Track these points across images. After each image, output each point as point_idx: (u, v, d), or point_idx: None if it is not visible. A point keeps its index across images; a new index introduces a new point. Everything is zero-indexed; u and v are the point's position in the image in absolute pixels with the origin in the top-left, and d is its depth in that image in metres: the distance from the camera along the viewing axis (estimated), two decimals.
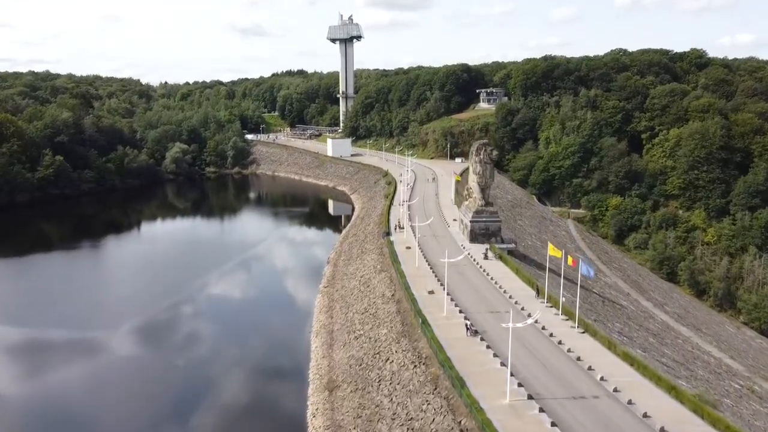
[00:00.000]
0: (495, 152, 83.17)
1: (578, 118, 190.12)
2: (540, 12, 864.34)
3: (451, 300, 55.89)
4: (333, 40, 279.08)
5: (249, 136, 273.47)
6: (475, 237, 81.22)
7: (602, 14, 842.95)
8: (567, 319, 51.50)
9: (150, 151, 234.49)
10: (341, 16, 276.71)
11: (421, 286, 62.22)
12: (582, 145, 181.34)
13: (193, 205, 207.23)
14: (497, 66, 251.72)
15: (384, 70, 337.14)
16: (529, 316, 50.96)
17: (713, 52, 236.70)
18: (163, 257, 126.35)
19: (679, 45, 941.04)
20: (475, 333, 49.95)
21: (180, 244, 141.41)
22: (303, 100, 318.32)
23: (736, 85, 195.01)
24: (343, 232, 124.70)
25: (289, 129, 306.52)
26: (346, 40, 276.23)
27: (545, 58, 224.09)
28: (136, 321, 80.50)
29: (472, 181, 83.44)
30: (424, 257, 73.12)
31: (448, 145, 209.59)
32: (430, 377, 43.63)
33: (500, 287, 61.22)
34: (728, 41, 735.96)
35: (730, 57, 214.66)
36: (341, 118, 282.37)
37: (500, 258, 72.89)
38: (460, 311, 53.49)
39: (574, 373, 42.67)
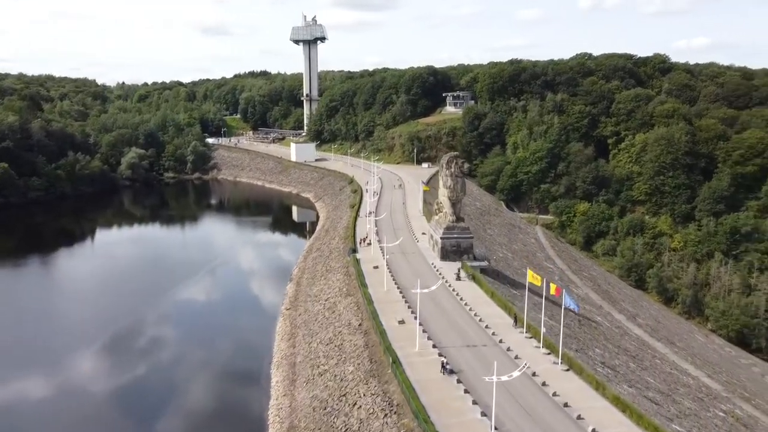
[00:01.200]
0: (466, 165, 79.30)
1: (545, 123, 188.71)
2: (507, 13, 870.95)
3: (424, 331, 51.43)
4: (296, 42, 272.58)
5: (210, 140, 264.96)
6: (446, 254, 77.12)
7: (567, 16, 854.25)
8: (549, 353, 47.63)
9: (104, 156, 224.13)
10: (305, 17, 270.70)
11: (390, 314, 57.63)
12: (549, 150, 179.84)
13: (151, 212, 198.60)
14: (464, 69, 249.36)
15: (349, 71, 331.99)
16: (509, 350, 46.94)
17: (671, 55, 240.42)
18: (112, 273, 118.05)
19: (639, 47, 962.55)
20: (451, 372, 45.70)
21: (132, 257, 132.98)
22: (266, 103, 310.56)
23: (698, 91, 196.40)
24: (307, 245, 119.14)
25: (251, 132, 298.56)
26: (310, 42, 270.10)
27: (512, 62, 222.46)
28: (71, 355, 73.14)
29: (443, 195, 79.35)
30: (393, 279, 68.61)
31: (415, 150, 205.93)
32: (404, 430, 39.08)
33: (475, 315, 57.03)
34: (685, 44, 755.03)
35: (686, 59, 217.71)
36: (305, 121, 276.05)
37: (473, 278, 68.85)
38: (434, 345, 49.10)
39: (562, 423, 38.65)
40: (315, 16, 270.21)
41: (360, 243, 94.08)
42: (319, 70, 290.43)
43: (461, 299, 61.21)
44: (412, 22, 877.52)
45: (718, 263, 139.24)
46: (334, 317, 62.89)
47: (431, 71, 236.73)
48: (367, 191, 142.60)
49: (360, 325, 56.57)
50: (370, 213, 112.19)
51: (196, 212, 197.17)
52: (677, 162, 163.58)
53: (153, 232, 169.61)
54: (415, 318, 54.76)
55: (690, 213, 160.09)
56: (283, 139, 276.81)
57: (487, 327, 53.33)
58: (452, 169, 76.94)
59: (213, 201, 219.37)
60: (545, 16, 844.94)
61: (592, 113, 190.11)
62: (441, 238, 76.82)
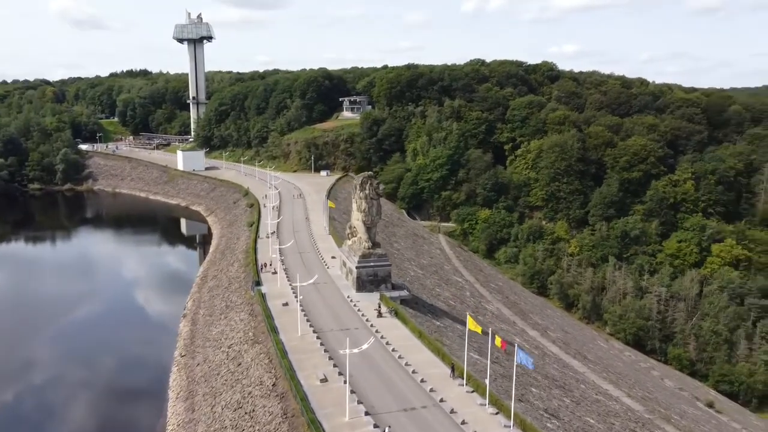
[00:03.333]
0: (382, 186, 73.03)
1: (444, 129, 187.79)
2: (393, 16, 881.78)
3: (352, 392, 44.22)
4: (180, 40, 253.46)
5: (83, 147, 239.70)
6: (362, 285, 70.38)
7: (451, 20, 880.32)
8: (497, 413, 42.16)
9: None
10: (189, 14, 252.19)
11: (309, 369, 49.76)
12: (450, 157, 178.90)
13: (12, 229, 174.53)
14: (359, 73, 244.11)
15: (238, 72, 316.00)
16: (453, 412, 41.11)
17: (544, 60, 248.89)
18: None
19: (518, 52, 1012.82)
20: None
21: None
22: (147, 105, 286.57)
23: (585, 98, 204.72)
24: (200, 270, 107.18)
25: (131, 138, 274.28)
26: (196, 41, 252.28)
27: (408, 67, 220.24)
28: None
29: (356, 219, 72.52)
30: (308, 321, 60.65)
31: (312, 157, 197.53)
32: None
33: (407, 364, 50.32)
34: (556, 50, 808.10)
35: (555, 64, 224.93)
36: (192, 126, 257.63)
37: (396, 314, 62.63)
38: (366, 413, 41.97)
39: None
40: (200, 14, 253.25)
41: (262, 268, 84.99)
42: (206, 71, 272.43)
43: (387, 343, 54.54)
44: (299, 21, 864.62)
45: (612, 267, 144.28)
46: (241, 372, 53.93)
47: (326, 75, 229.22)
48: (265, 206, 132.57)
49: (274, 385, 48.28)
50: (272, 233, 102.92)
51: (68, 228, 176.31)
52: (571, 168, 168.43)
53: (11, 252, 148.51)
54: (340, 374, 47.52)
55: (584, 218, 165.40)
56: (168, 145, 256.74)
57: (423, 381, 46.94)
58: (367, 191, 70.37)
59: (88, 215, 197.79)
60: (430, 19, 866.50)
61: (488, 120, 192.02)
62: (357, 267, 69.95)
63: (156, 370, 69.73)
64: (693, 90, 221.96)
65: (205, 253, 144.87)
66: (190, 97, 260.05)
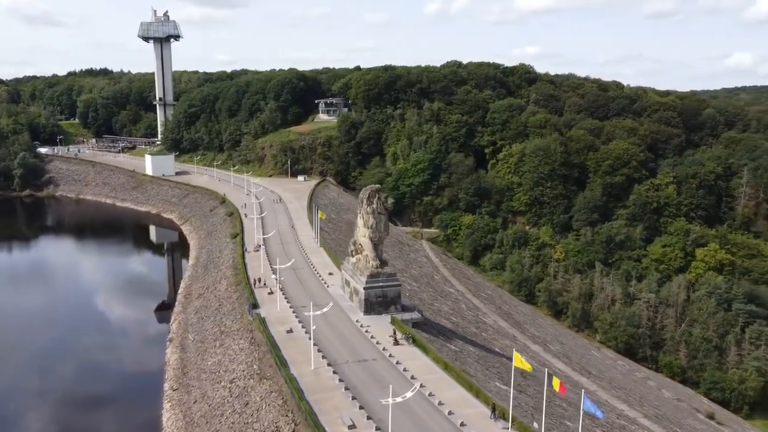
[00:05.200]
0: (391, 200, 68.33)
1: (425, 133, 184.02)
2: (356, 16, 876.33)
3: None
4: (146, 39, 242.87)
5: (42, 150, 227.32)
6: (370, 307, 65.55)
7: (414, 21, 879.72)
8: None
9: None
10: (155, 11, 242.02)
11: (332, 412, 44.53)
12: (431, 161, 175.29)
13: None
14: (334, 74, 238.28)
15: (206, 72, 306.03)
16: None
17: (508, 62, 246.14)
18: None
19: (482, 53, 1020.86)
20: None
21: None
22: (110, 106, 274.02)
23: (563, 101, 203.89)
24: (182, 287, 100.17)
25: (94, 140, 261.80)
26: (162, 40, 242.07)
27: (386, 68, 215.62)
28: None
29: (363, 235, 67.62)
30: (319, 351, 55.36)
31: (289, 162, 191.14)
32: None
33: (440, 403, 45.38)
34: (519, 52, 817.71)
35: (532, 66, 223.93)
36: (160, 128, 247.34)
37: (414, 341, 58.00)
38: None
39: None
40: (167, 11, 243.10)
41: (255, 284, 79.45)
42: (173, 71, 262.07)
43: (413, 377, 49.64)
44: (263, 21, 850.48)
45: (599, 273, 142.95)
46: (251, 414, 48.43)
47: (301, 76, 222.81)
48: (246, 215, 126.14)
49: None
50: (260, 246, 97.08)
51: (27, 237, 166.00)
52: (554, 173, 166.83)
53: None
54: (368, 418, 42.64)
55: (568, 223, 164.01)
56: (134, 148, 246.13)
57: (463, 425, 42.22)
58: (374, 206, 65.66)
59: (50, 223, 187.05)
60: (392, 20, 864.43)
61: (468, 123, 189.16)
62: (364, 288, 65.04)
63: (145, 407, 62.76)
64: (667, 93, 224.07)
65: (174, 263, 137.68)
66: (157, 98, 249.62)
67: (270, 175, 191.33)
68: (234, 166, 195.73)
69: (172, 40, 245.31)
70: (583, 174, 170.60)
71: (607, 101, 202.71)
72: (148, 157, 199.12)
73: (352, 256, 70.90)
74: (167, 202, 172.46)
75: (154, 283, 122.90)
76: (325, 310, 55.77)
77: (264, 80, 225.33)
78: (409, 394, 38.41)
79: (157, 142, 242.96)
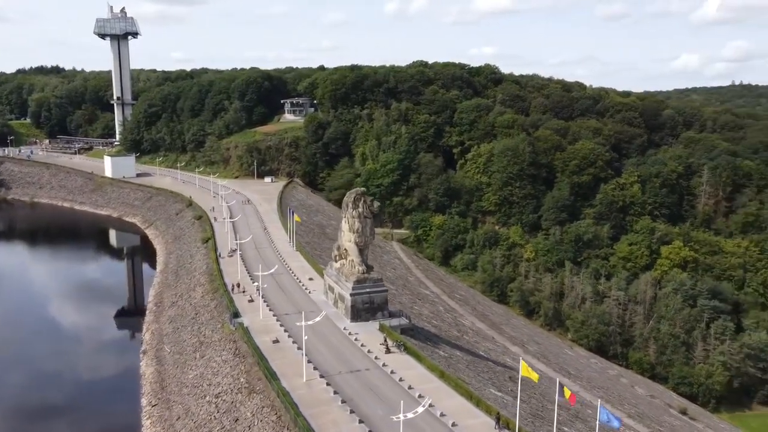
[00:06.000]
0: (377, 203, 66.75)
1: (393, 133, 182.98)
2: (314, 15, 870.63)
3: None
4: (102, 36, 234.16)
5: None
6: (357, 314, 63.90)
7: (372, 21, 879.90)
8: None
9: None
10: (111, 7, 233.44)
11: (331, 428, 42.82)
12: (400, 161, 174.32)
13: None
14: (299, 74, 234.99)
15: (164, 71, 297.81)
16: None
17: (466, 62, 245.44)
18: None
19: (441, 53, 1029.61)
20: None
21: None
22: (65, 106, 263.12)
23: (529, 101, 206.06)
24: (151, 295, 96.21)
25: (48, 141, 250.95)
26: (120, 37, 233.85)
27: (352, 68, 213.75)
28: None
29: (348, 240, 65.79)
30: (310, 361, 53.27)
31: (255, 163, 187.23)
32: None
33: (442, 414, 44.22)
34: (477, 52, 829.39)
35: (498, 66, 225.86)
36: (118, 128, 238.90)
37: (406, 349, 56.60)
38: None
39: None
40: (124, 7, 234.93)
41: (233, 290, 76.84)
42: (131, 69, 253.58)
43: (411, 388, 48.21)
44: (219, 18, 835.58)
45: (569, 272, 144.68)
46: None
47: (266, 76, 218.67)
48: (216, 219, 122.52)
49: None
50: (234, 251, 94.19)
51: None
52: (523, 172, 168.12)
53: None
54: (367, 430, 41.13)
55: (537, 222, 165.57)
56: (91, 149, 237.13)
57: None
58: (360, 209, 63.91)
59: (0, 228, 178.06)
60: (351, 19, 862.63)
61: (436, 123, 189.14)
62: (351, 294, 63.32)
63: (120, 424, 59.47)
64: (627, 94, 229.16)
65: (135, 267, 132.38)
66: (114, 98, 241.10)
67: (236, 177, 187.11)
68: (198, 168, 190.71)
69: (129, 37, 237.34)
70: (551, 174, 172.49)
71: (571, 102, 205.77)
72: (107, 159, 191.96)
73: (336, 261, 69.11)
74: (129, 205, 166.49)
75: (115, 290, 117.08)
76: (317, 319, 53.86)
77: (228, 79, 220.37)
78: (420, 409, 37.03)
79: (116, 143, 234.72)
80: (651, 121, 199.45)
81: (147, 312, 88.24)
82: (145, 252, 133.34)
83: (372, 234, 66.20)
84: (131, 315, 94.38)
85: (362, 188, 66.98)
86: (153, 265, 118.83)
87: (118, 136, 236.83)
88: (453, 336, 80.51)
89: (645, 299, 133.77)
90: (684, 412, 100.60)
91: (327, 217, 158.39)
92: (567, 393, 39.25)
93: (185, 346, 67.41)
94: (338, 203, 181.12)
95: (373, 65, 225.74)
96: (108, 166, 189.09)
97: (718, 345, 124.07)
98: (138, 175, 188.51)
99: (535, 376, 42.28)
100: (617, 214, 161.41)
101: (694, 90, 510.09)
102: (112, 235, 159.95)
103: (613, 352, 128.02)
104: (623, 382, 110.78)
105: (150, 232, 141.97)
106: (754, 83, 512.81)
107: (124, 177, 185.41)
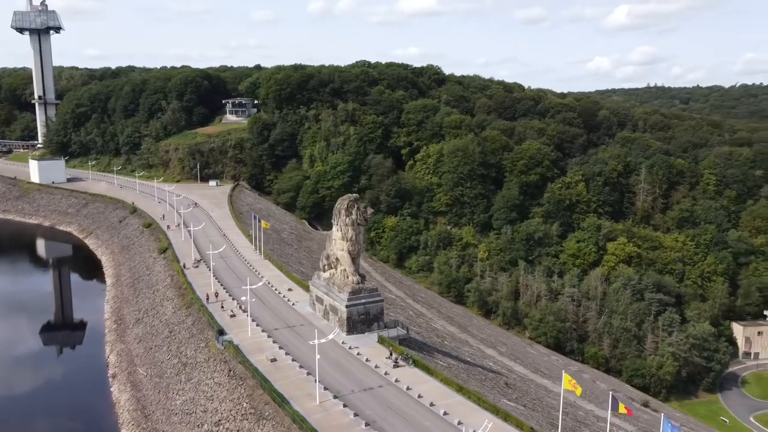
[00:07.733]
0: (371, 210, 64.22)
1: (341, 134, 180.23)
2: (239, 13, 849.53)
3: None
4: (21, 30, 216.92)
5: None
6: (353, 326, 61.23)
7: (297, 19, 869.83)
8: None
9: None
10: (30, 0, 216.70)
11: None
12: (351, 163, 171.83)
13: None
14: (239, 73, 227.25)
15: (89, 69, 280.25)
16: None
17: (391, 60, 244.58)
18: None
19: (368, 53, 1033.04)
20: None
21: None
22: None
23: (473, 102, 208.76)
24: (107, 310, 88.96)
25: None
26: (40, 31, 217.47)
27: (296, 68, 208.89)
28: None
29: (340, 249, 62.94)
30: (318, 382, 49.94)
31: (198, 166, 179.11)
32: None
33: None
34: (401, 53, 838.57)
35: (440, 67, 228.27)
36: (41, 130, 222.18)
37: (415, 363, 54.40)
38: None
39: None
40: (45, 0, 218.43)
41: (206, 298, 72.42)
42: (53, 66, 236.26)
43: (432, 405, 46.13)
44: (135, 14, 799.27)
45: (523, 271, 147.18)
46: None
47: (205, 75, 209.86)
48: (169, 227, 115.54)
49: None
50: (199, 261, 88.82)
51: None
52: (473, 173, 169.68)
53: None
54: None
55: (488, 222, 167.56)
56: (10, 152, 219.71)
57: None
58: (353, 216, 61.25)
59: None
60: (277, 17, 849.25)
61: (384, 123, 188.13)
62: (347, 306, 60.55)
63: None
64: (564, 95, 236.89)
65: (62, 278, 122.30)
66: (36, 97, 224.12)
67: (177, 181, 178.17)
68: (135, 171, 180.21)
69: (51, 32, 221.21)
70: (500, 174, 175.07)
71: (513, 102, 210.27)
72: (33, 163, 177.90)
73: (324, 271, 66.16)
74: (62, 213, 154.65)
75: (51, 306, 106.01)
76: (330, 337, 50.77)
77: (163, 78, 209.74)
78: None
79: (39, 146, 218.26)
80: (588, 121, 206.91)
81: (106, 330, 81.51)
82: (87, 264, 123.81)
83: (365, 242, 63.83)
84: (79, 332, 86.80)
85: (355, 194, 64.39)
86: (99, 278, 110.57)
87: (41, 138, 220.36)
88: (436, 343, 79.37)
89: (596, 295, 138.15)
90: (646, 405, 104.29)
91: (279, 221, 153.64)
92: (621, 407, 38.69)
93: (164, 368, 62.39)
94: (288, 206, 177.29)
95: (314, 65, 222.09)
96: (35, 171, 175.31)
97: (666, 336, 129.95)
98: (69, 180, 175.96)
99: (578, 390, 41.61)
100: (564, 212, 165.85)
101: (614, 91, 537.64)
102: (44, 246, 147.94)
103: (570, 348, 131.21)
104: (585, 378, 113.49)
105: (90, 242, 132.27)
106: (666, 85, 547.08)
107: (53, 182, 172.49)
